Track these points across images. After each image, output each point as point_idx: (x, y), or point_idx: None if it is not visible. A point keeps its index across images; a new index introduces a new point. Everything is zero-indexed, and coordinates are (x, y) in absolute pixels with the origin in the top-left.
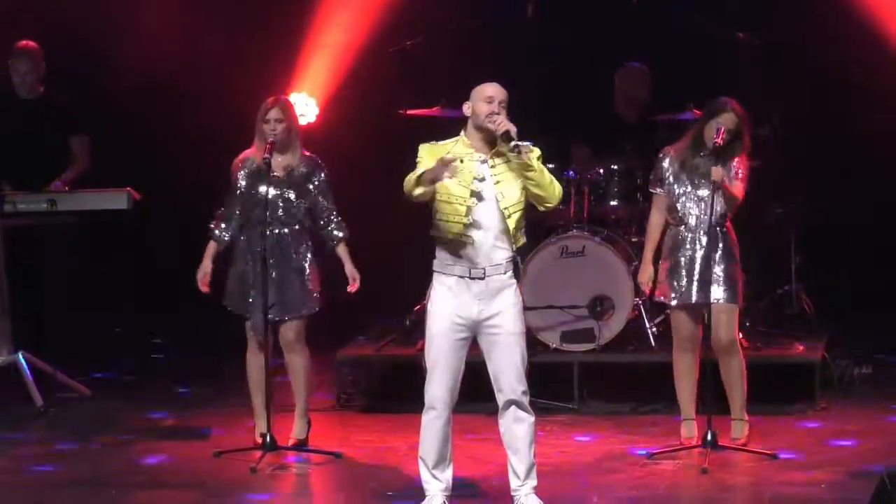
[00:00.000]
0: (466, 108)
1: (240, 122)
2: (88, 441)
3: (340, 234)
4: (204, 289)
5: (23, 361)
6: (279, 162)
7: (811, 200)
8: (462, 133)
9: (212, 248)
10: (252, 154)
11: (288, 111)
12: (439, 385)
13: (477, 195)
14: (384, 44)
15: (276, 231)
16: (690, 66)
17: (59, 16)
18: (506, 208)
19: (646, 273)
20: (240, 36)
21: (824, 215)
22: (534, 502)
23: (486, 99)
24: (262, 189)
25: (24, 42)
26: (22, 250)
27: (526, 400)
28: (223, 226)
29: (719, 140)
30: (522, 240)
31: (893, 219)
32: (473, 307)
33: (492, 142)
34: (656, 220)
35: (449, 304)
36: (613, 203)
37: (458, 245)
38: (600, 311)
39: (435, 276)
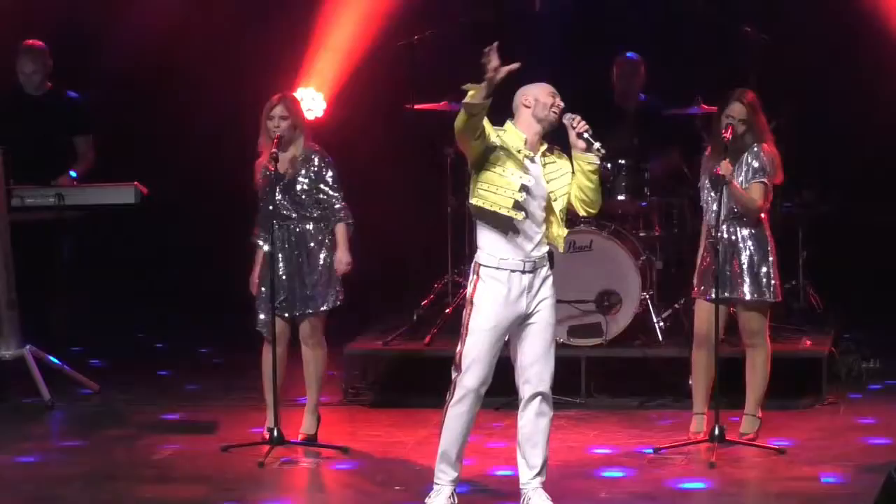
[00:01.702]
0: (525, 100)
1: (249, 117)
2: (96, 435)
3: (341, 217)
4: (254, 292)
5: (30, 356)
6: (284, 157)
7: (819, 195)
8: (510, 123)
9: (259, 255)
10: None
11: (292, 108)
12: (476, 379)
13: (527, 189)
14: (391, 38)
15: (298, 227)
16: (698, 60)
17: (66, 7)
18: (560, 210)
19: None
20: (248, 31)
21: (832, 210)
22: (542, 496)
23: (551, 93)
24: (273, 187)
25: (30, 41)
26: (29, 244)
27: (550, 394)
28: (262, 232)
29: (728, 135)
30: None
31: None
32: (523, 301)
33: (544, 136)
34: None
35: (500, 301)
36: (621, 198)
37: (507, 231)
38: (608, 305)
39: (483, 270)
